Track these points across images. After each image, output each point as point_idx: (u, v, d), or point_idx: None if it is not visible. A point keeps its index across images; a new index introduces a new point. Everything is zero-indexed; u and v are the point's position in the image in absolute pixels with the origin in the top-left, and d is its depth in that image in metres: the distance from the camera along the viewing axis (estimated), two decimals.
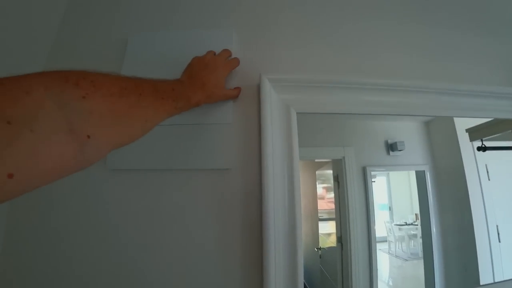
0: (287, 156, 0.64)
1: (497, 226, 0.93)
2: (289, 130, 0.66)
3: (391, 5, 0.89)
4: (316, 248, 0.96)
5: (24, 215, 0.68)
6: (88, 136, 0.27)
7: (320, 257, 0.96)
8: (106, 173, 0.68)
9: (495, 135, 0.95)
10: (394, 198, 1.02)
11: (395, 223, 1.04)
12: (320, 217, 0.96)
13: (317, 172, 0.99)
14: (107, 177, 0.68)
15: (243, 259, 0.62)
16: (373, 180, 0.90)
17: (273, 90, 0.67)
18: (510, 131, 0.92)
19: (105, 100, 0.30)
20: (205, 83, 0.56)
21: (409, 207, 1.05)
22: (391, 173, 1.03)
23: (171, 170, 0.67)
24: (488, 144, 0.96)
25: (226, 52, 0.67)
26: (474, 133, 0.95)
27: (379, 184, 0.97)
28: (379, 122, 0.92)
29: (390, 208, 1.03)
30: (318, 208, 0.97)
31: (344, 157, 0.89)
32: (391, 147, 0.93)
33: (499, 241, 0.93)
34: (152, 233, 0.64)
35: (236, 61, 0.68)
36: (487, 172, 0.96)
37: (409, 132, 0.96)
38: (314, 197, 0.99)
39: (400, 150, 0.94)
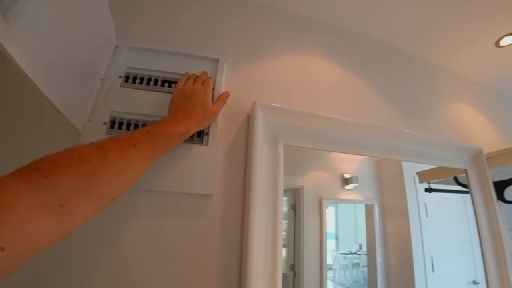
0: (272, 187, 0.65)
1: (431, 257, 1.03)
2: (276, 161, 0.68)
3: (369, 67, 1.05)
4: None
5: None
6: (61, 206, 0.31)
7: None
8: None
9: (440, 180, 1.08)
10: (341, 228, 1.06)
11: (340, 251, 1.07)
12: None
13: None
14: None
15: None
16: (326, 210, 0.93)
17: (264, 119, 0.69)
18: (452, 177, 1.07)
19: (66, 173, 0.33)
20: (188, 110, 0.58)
21: (354, 237, 1.10)
22: (339, 204, 1.07)
23: (152, 190, 0.62)
24: (433, 186, 1.07)
25: (203, 75, 0.69)
26: (423, 176, 1.06)
27: (329, 214, 1.00)
28: (336, 155, 0.95)
29: (336, 238, 1.06)
30: None
31: (303, 187, 0.90)
32: (347, 181, 0.98)
33: (433, 271, 1.02)
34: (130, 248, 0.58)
35: (211, 80, 0.69)
36: (426, 209, 1.07)
37: (362, 169, 1.03)
38: None
39: (354, 184, 0.99)
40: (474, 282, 1.02)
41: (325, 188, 0.95)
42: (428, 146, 0.94)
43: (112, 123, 0.64)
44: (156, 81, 0.71)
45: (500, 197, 1.04)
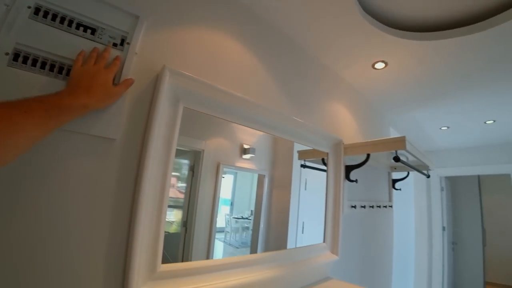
0: (167, 141, 0.74)
1: (303, 222, 1.26)
2: (175, 119, 0.76)
3: (273, 56, 1.18)
4: None
5: None
6: None
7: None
8: None
9: (313, 159, 1.33)
10: (237, 194, 1.15)
11: (233, 216, 1.17)
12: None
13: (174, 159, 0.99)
14: None
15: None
16: (223, 176, 1.00)
17: (169, 82, 0.74)
18: (321, 158, 1.34)
19: None
20: (90, 87, 0.58)
21: (248, 203, 1.21)
22: (239, 173, 1.15)
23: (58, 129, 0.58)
24: (308, 164, 1.31)
25: (106, 54, 0.66)
26: (301, 154, 1.28)
27: (227, 181, 1.08)
28: (240, 126, 1.01)
29: (232, 203, 1.14)
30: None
31: (204, 150, 0.94)
32: (245, 151, 1.06)
33: (302, 233, 1.25)
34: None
35: (118, 63, 0.67)
36: (306, 184, 1.28)
37: (260, 142, 1.13)
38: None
39: (251, 155, 1.08)
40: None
41: (224, 155, 1.01)
42: (305, 131, 1.18)
43: (16, 56, 0.58)
44: (71, 22, 0.64)
45: (347, 177, 1.38)
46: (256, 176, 1.18)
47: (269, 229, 1.18)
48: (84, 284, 0.60)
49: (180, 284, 0.72)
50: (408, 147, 1.19)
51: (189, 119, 0.86)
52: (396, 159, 1.26)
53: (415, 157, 1.38)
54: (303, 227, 1.26)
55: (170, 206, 0.95)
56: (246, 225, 1.18)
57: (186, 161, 0.94)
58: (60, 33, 0.63)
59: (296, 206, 1.24)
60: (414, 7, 1.05)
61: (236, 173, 1.15)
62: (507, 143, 2.92)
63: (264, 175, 1.16)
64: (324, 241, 1.25)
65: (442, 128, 2.54)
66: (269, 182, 1.17)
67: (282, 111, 1.14)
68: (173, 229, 0.95)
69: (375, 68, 1.45)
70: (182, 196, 0.93)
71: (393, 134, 2.52)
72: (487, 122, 2.29)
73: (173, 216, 0.94)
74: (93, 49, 0.65)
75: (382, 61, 1.38)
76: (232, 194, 1.13)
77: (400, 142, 1.19)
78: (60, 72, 0.62)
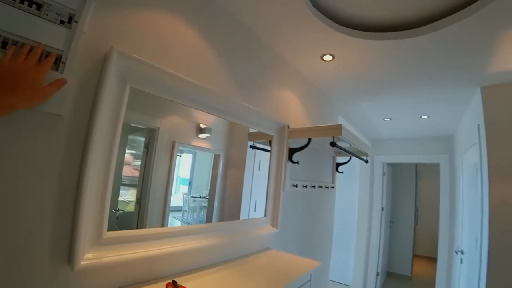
0: (114, 119, 0.76)
1: (255, 201, 1.35)
2: (121, 99, 0.78)
3: (224, 41, 1.20)
4: (114, 210, 0.96)
5: None
6: None
7: (117, 218, 0.96)
8: None
9: (262, 140, 1.42)
10: (196, 174, 1.18)
11: (191, 195, 1.19)
12: (122, 182, 0.96)
13: (129, 136, 0.99)
14: None
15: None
16: (179, 154, 1.02)
17: (117, 63, 0.75)
18: (268, 140, 1.42)
19: None
20: (16, 85, 0.55)
21: (206, 183, 1.24)
22: (198, 152, 1.18)
23: None
24: (257, 145, 1.40)
25: (38, 51, 0.62)
26: (250, 136, 1.36)
27: (186, 161, 1.10)
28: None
29: (190, 183, 1.17)
30: (123, 174, 0.96)
31: (159, 128, 0.95)
32: (201, 130, 1.09)
33: (255, 211, 1.34)
34: None
35: (51, 60, 0.64)
36: (259, 164, 1.36)
37: (217, 122, 1.17)
38: (120, 160, 0.98)
39: (207, 134, 1.11)
40: None
41: (180, 133, 1.03)
42: (251, 115, 1.25)
43: None
44: None
45: (290, 158, 1.51)
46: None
47: (223, 207, 1.24)
48: (32, 252, 0.62)
49: (126, 249, 0.78)
50: (343, 134, 1.31)
51: (144, 97, 0.87)
52: (332, 144, 1.40)
53: (352, 143, 1.54)
54: (255, 206, 1.35)
55: (126, 185, 0.95)
56: (204, 204, 1.21)
57: (142, 139, 0.95)
58: (1, 6, 0.58)
59: (250, 186, 1.33)
60: (362, 7, 1.15)
61: (195, 152, 1.17)
62: (439, 137, 3.35)
63: (220, 155, 1.20)
64: (265, 215, 1.36)
65: (385, 119, 2.80)
66: (225, 162, 1.22)
67: (230, 95, 1.18)
68: (129, 208, 0.95)
69: (324, 60, 1.54)
70: (138, 174, 0.94)
71: (341, 122, 2.72)
72: (422, 117, 2.59)
73: (129, 196, 0.95)
74: (24, 45, 0.60)
75: (330, 54, 1.47)
76: (191, 173, 1.16)
77: (337, 129, 1.31)
78: (3, 47, 0.58)
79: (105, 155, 0.74)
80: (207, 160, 1.22)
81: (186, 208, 1.17)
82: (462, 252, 2.30)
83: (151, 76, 0.84)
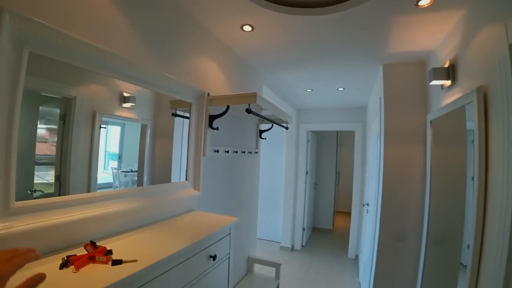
0: (11, 89, 0.72)
1: (186, 171, 1.39)
2: (19, 64, 0.73)
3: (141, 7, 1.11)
4: (30, 191, 0.88)
5: None
6: None
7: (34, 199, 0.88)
8: None
9: (184, 108, 1.43)
10: (125, 148, 1.14)
11: (122, 170, 1.16)
12: (37, 161, 0.88)
13: (41, 108, 0.90)
14: None
15: None
16: (104, 126, 0.97)
17: (10, 25, 0.70)
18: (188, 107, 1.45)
19: None
20: None
21: (137, 157, 1.21)
22: (127, 124, 1.13)
23: None
24: (179, 113, 1.42)
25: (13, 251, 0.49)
26: (173, 104, 1.37)
27: (114, 135, 1.04)
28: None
29: (120, 157, 1.13)
30: (38, 151, 0.86)
31: (76, 97, 0.89)
32: (125, 99, 1.05)
33: (186, 179, 1.37)
34: None
35: (26, 259, 0.49)
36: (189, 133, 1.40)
37: (142, 90, 1.13)
38: (32, 135, 0.89)
39: (132, 104, 1.08)
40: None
41: (101, 103, 0.97)
42: (170, 83, 1.26)
43: None
44: None
45: (210, 125, 1.58)
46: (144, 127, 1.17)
47: (153, 179, 1.24)
48: None
49: (38, 218, 0.76)
50: (258, 101, 1.42)
51: (55, 62, 0.80)
52: (248, 111, 1.49)
53: (268, 111, 1.68)
54: (186, 176, 1.40)
55: (44, 164, 0.88)
56: (136, 178, 1.19)
57: (57, 110, 0.87)
58: None
59: (179, 155, 1.36)
60: None
61: (124, 124, 1.12)
62: (355, 107, 3.88)
63: (147, 125, 1.19)
64: (186, 179, 1.42)
65: (307, 90, 3.06)
66: (152, 132, 1.22)
67: (145, 63, 1.15)
68: (51, 190, 0.89)
69: (244, 30, 1.60)
70: (53, 145, 0.86)
71: (265, 91, 2.88)
72: (339, 88, 2.92)
73: (50, 176, 0.88)
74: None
75: (249, 25, 1.53)
76: (120, 147, 1.12)
77: (252, 96, 1.40)
78: None
79: (3, 124, 0.70)
80: (136, 133, 1.19)
81: (117, 183, 1.14)
82: (368, 205, 2.81)
83: (54, 40, 0.78)
